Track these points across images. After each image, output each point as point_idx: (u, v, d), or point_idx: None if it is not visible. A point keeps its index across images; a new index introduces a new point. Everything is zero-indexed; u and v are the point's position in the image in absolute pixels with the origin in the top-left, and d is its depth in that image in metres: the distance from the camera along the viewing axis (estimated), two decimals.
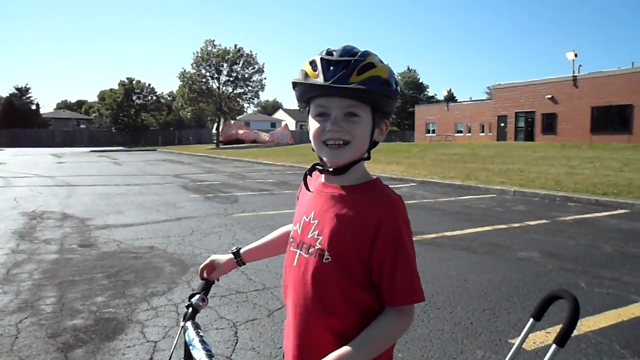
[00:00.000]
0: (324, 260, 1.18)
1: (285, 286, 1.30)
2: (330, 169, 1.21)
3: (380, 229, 1.14)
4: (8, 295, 4.23)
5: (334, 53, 1.16)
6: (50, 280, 4.67)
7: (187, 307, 1.40)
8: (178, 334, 1.34)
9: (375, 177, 1.26)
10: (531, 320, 1.46)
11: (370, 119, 1.18)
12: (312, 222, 1.23)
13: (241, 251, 1.57)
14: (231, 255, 1.56)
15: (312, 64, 1.17)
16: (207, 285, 1.51)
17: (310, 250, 1.21)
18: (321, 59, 1.16)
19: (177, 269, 5.07)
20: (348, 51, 1.16)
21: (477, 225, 7.49)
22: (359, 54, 1.15)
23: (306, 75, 1.17)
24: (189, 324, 1.32)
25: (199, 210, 9.06)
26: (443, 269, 5.06)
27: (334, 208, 1.20)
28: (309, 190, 1.28)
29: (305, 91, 1.19)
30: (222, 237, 6.57)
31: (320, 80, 1.13)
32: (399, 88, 1.24)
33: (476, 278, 4.76)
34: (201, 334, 1.26)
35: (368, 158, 1.24)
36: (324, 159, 1.21)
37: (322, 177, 1.27)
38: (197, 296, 1.42)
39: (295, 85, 1.21)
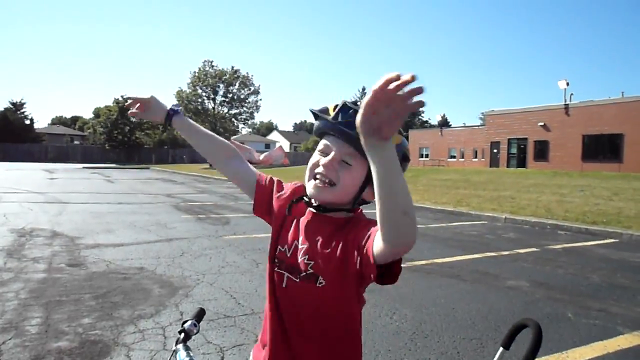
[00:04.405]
0: (317, 285, 1.22)
1: (272, 307, 1.30)
2: (315, 204, 1.27)
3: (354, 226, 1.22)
4: None
5: (357, 102, 1.22)
6: (36, 300, 4.63)
7: (180, 332, 1.49)
8: (170, 356, 1.44)
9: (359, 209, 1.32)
10: (501, 349, 1.50)
11: (364, 174, 1.22)
12: (300, 246, 1.27)
13: (178, 114, 1.47)
14: (167, 110, 1.46)
15: (337, 106, 1.24)
16: (200, 313, 1.61)
17: (301, 275, 1.25)
18: (345, 103, 1.22)
19: (166, 291, 5.04)
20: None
21: (467, 252, 7.52)
22: None
23: (326, 111, 1.25)
24: (180, 346, 1.43)
25: (190, 231, 9.04)
26: (432, 297, 5.07)
27: (321, 233, 1.25)
28: (289, 214, 1.33)
29: (321, 125, 1.26)
30: (213, 260, 6.55)
31: (329, 117, 1.22)
32: (407, 165, 1.26)
33: (464, 307, 4.77)
34: (191, 355, 1.38)
35: (350, 211, 1.28)
36: (309, 191, 1.26)
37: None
38: (189, 322, 1.52)
39: (315, 115, 1.28)
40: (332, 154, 1.22)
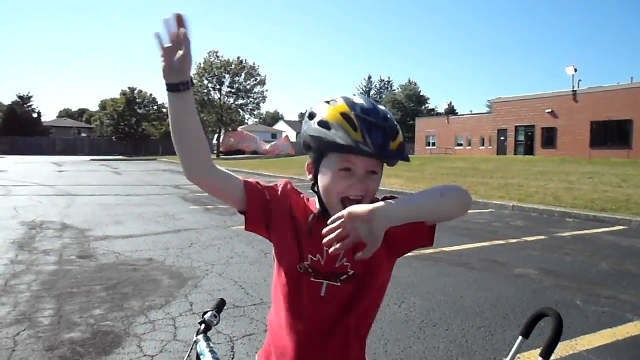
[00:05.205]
0: (355, 279, 1.25)
1: (301, 317, 1.26)
2: None
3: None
4: (6, 307, 4.24)
5: (370, 114, 1.18)
6: (48, 292, 4.69)
7: (200, 323, 1.53)
8: (191, 347, 1.47)
9: None
10: (520, 338, 1.51)
11: (381, 173, 1.26)
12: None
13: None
14: (189, 78, 1.13)
15: (347, 119, 1.16)
16: (220, 304, 1.64)
17: (342, 278, 1.25)
18: (360, 118, 1.17)
19: (175, 282, 5.09)
20: (380, 113, 1.21)
21: (475, 240, 7.51)
22: (389, 117, 1.22)
23: (344, 131, 1.15)
24: (200, 336, 1.47)
25: (198, 222, 9.09)
26: (440, 285, 5.08)
27: None
28: (310, 234, 1.26)
29: (339, 147, 1.16)
30: (221, 250, 6.60)
31: (367, 148, 1.14)
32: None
33: (473, 295, 4.78)
34: (211, 345, 1.43)
35: None
36: (336, 211, 1.15)
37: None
38: (209, 313, 1.56)
39: (326, 138, 1.17)
40: (360, 171, 1.19)
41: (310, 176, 1.29)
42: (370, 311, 1.31)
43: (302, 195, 1.36)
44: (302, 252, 1.27)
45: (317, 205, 1.28)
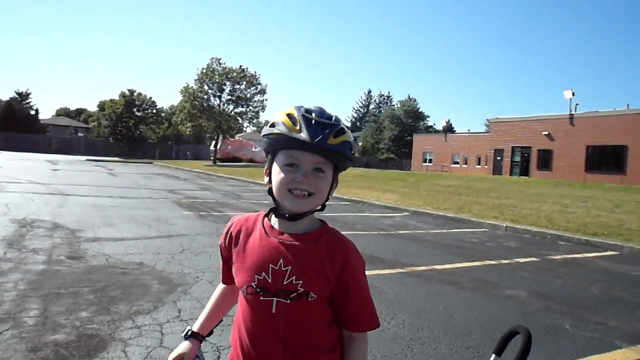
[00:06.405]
0: (309, 299, 1.28)
1: (259, 338, 1.32)
2: (287, 215, 1.31)
3: (346, 265, 1.30)
4: None
5: (313, 113, 1.27)
6: (35, 292, 4.64)
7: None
8: None
9: (320, 220, 1.38)
10: (493, 355, 1.51)
11: (331, 176, 1.32)
12: (283, 268, 1.29)
13: (195, 329, 1.53)
14: (188, 343, 1.51)
15: (291, 118, 1.27)
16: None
17: (292, 296, 1.28)
18: (303, 115, 1.26)
19: (165, 288, 5.04)
20: (324, 114, 1.29)
21: (467, 259, 7.51)
22: (333, 118, 1.29)
23: (286, 126, 1.26)
24: None
25: (191, 228, 9.05)
26: (430, 303, 5.07)
27: (304, 253, 1.30)
28: (267, 235, 1.35)
29: (283, 141, 1.27)
30: (212, 257, 6.55)
31: (304, 136, 1.24)
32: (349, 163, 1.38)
33: (463, 314, 4.76)
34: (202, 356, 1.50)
35: (322, 209, 1.35)
36: (287, 205, 1.29)
37: (275, 223, 1.36)
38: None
39: (271, 134, 1.29)
40: (304, 166, 1.27)
41: (267, 179, 1.36)
42: (319, 333, 1.33)
43: (252, 214, 1.44)
44: (251, 272, 1.33)
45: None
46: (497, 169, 38.34)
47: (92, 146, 59.60)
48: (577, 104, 35.14)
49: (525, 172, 35.94)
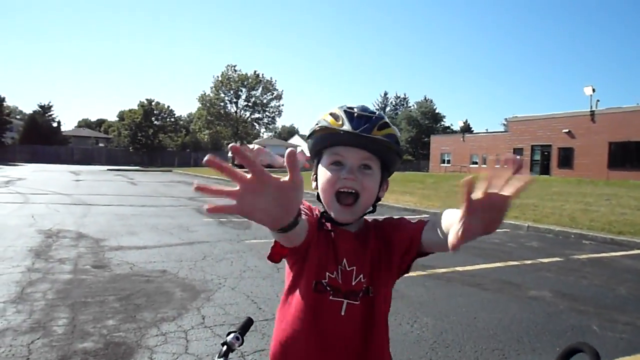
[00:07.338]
0: (370, 294, 1.25)
1: (325, 338, 1.22)
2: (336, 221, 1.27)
3: (388, 224, 1.32)
4: (22, 315, 4.30)
5: (355, 108, 1.24)
6: (63, 301, 4.74)
7: (222, 344, 1.46)
8: None
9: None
10: None
11: (379, 174, 1.27)
12: (348, 269, 1.25)
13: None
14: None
15: (334, 115, 1.24)
16: (246, 325, 1.56)
17: (360, 296, 1.24)
18: (345, 111, 1.23)
19: (188, 295, 5.11)
20: (367, 109, 1.25)
21: (489, 261, 7.44)
22: (378, 112, 1.25)
23: (328, 123, 1.23)
24: None
25: (212, 235, 9.13)
26: (453, 306, 5.03)
27: (363, 251, 1.27)
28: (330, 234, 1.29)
29: (327, 138, 1.23)
30: (234, 264, 6.61)
31: (346, 127, 1.20)
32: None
33: (486, 316, 4.72)
34: None
35: (373, 211, 1.31)
36: (333, 215, 1.24)
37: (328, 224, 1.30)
38: (232, 335, 1.47)
39: (316, 132, 1.26)
40: (350, 162, 1.22)
41: (314, 184, 1.31)
42: (380, 330, 1.28)
43: (314, 207, 1.34)
44: (322, 270, 1.24)
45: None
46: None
47: (112, 156, 60.55)
48: (597, 100, 34.45)
49: (545, 170, 35.39)
